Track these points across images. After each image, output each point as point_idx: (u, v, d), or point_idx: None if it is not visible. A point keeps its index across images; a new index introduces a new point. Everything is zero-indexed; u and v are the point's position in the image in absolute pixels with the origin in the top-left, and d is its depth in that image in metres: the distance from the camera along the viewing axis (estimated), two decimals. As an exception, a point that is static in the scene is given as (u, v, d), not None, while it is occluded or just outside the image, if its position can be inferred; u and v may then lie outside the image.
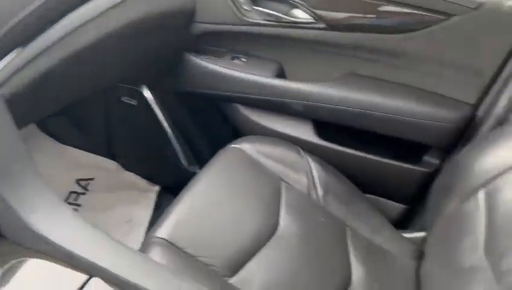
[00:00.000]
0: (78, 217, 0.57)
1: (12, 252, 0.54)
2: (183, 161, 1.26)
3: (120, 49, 0.88)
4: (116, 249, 0.55)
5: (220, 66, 1.06)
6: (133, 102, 1.19)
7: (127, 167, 1.37)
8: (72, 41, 0.69)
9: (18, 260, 0.53)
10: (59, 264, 0.52)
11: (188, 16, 1.01)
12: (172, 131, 1.22)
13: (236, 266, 0.73)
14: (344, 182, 0.98)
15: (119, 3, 0.80)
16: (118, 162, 1.38)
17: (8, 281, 0.51)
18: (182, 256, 0.70)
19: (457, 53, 0.91)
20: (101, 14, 0.75)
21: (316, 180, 0.93)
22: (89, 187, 1.31)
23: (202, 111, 1.22)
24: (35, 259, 0.52)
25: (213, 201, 0.81)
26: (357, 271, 0.82)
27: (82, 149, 1.39)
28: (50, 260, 0.53)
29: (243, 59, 1.07)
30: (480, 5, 0.86)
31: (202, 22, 1.04)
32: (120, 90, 1.19)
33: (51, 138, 1.41)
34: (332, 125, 1.05)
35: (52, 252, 0.53)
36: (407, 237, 0.94)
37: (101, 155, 1.38)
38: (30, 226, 0.52)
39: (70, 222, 0.56)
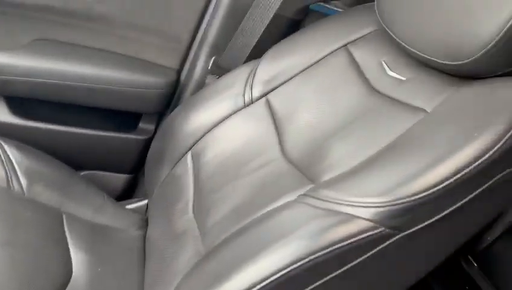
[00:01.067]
0: None
1: None
2: None
3: None
4: None
5: None
6: None
7: None
8: None
9: None
10: None
11: None
12: None
13: None
14: (53, 164, 0.87)
15: None
16: None
17: None
18: None
19: (153, 18, 0.91)
20: None
21: (17, 169, 0.79)
22: None
23: None
24: None
25: None
26: (78, 260, 0.75)
27: None
28: None
29: None
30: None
31: None
32: None
33: None
34: (31, 101, 0.90)
35: None
36: (131, 208, 0.93)
37: None
38: None
39: None
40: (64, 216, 0.79)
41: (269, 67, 0.80)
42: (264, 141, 0.72)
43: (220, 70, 0.93)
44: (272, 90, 0.77)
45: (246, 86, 0.79)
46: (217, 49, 0.93)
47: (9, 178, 0.77)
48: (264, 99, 0.77)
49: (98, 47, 0.92)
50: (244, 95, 0.79)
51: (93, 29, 0.91)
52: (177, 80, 0.99)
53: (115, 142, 0.98)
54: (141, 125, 1.02)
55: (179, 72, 0.99)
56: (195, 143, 0.80)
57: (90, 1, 0.85)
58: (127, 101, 0.94)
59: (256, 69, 0.80)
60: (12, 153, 0.80)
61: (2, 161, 0.78)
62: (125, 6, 0.88)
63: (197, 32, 0.94)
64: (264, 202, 0.59)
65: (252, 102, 0.78)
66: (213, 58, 0.94)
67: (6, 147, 0.80)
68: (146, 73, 0.94)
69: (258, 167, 0.69)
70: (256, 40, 0.88)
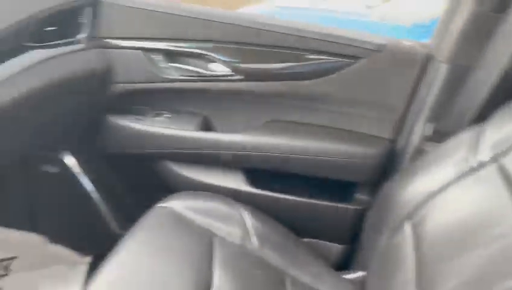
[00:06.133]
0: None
1: None
2: (115, 226, 1.18)
3: (34, 114, 0.84)
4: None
5: (144, 124, 1.04)
6: (55, 170, 1.12)
7: (54, 239, 1.26)
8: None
9: None
10: None
11: (103, 78, 0.99)
12: (101, 196, 1.16)
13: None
14: (279, 229, 0.96)
15: (25, 69, 0.78)
16: (43, 235, 1.27)
17: None
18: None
19: (369, 92, 0.96)
20: (11, 77, 0.72)
21: (250, 230, 0.91)
22: (11, 267, 1.19)
23: (132, 172, 1.18)
24: None
25: (137, 265, 0.75)
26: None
27: (3, 226, 1.28)
28: None
29: (166, 115, 1.06)
30: (383, 46, 0.92)
31: (120, 82, 1.02)
32: (39, 159, 1.12)
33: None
34: (263, 173, 1.04)
35: None
36: (348, 279, 0.92)
37: (25, 230, 1.27)
38: None
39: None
40: (286, 278, 0.85)
41: (498, 131, 0.72)
42: (498, 209, 0.63)
43: (439, 136, 0.88)
44: (504, 154, 0.69)
45: (471, 150, 0.73)
46: (435, 114, 0.90)
47: (244, 237, 0.89)
48: (495, 164, 0.69)
49: (317, 123, 1.02)
50: (470, 161, 0.72)
51: (314, 107, 1.02)
52: (392, 150, 0.99)
53: (332, 211, 1.03)
54: (357, 195, 1.04)
55: (393, 141, 0.99)
56: (415, 211, 0.76)
57: (315, 83, 0.96)
58: (342, 171, 0.99)
59: (483, 132, 0.73)
60: (247, 216, 0.93)
61: (239, 223, 0.91)
62: (345, 85, 0.96)
63: (413, 100, 0.94)
64: (498, 278, 0.51)
65: (480, 168, 0.71)
66: (430, 124, 0.91)
67: (243, 211, 0.94)
68: (359, 144, 0.99)
69: (492, 239, 0.60)
70: (480, 102, 0.82)
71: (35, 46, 0.82)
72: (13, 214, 1.25)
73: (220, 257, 0.83)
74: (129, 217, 1.20)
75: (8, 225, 1.27)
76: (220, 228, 0.89)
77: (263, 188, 1.04)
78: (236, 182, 1.05)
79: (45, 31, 0.84)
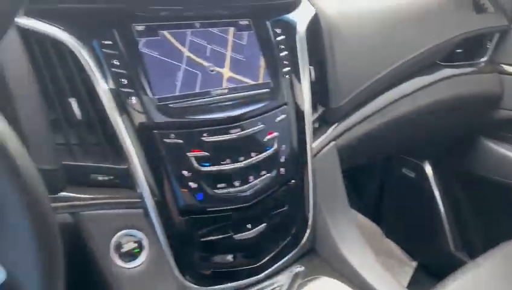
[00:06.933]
0: (374, 257, 0.66)
1: (319, 267, 0.67)
2: (450, 245, 1.21)
3: (421, 123, 0.96)
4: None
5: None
6: (412, 174, 1.24)
7: (389, 234, 1.41)
8: (390, 111, 0.82)
9: (317, 276, 0.65)
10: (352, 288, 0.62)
11: (493, 101, 1.01)
12: (445, 211, 1.20)
13: None
14: None
15: (432, 83, 0.90)
16: (381, 227, 1.43)
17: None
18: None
19: None
20: (416, 91, 0.86)
21: None
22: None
23: (483, 197, 1.16)
24: (333, 279, 0.63)
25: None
26: None
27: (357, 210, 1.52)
28: (345, 283, 0.63)
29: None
30: None
31: (506, 109, 1.02)
32: (402, 161, 1.26)
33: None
34: None
35: (350, 277, 0.63)
36: None
37: (368, 217, 1.47)
38: (340, 251, 0.64)
39: (369, 258, 0.65)
40: None
41: None
42: None
43: None
44: None
45: None
46: None
47: None
48: None
49: None
50: None
51: None
52: None
53: None
54: None
55: None
56: None
57: None
58: None
59: None
60: None
61: None
62: None
63: None
64: None
65: None
66: None
67: None
68: None
69: None
70: None
71: (443, 65, 0.93)
72: (363, 200, 1.47)
73: None
74: (467, 241, 1.20)
75: (356, 208, 1.51)
76: None
77: None
78: None
79: (455, 52, 0.94)
